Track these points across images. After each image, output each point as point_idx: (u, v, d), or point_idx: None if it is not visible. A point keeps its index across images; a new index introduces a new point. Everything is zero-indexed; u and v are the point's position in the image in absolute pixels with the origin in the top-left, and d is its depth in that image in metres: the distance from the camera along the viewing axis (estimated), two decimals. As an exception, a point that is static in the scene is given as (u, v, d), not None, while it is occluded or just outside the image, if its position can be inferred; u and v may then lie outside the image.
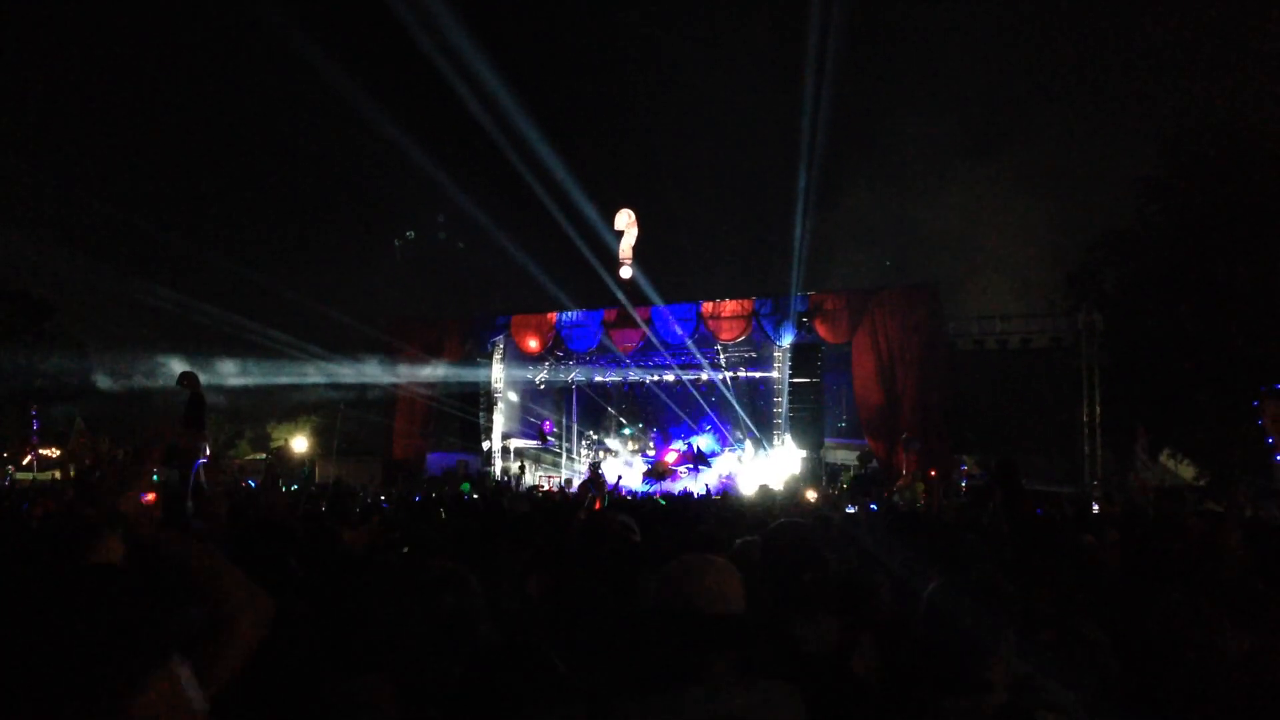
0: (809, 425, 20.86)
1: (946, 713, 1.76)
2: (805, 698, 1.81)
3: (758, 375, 23.78)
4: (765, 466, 20.78)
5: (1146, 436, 14.71)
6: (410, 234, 29.29)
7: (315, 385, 28.00)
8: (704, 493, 17.47)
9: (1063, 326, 20.02)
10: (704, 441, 24.36)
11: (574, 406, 27.22)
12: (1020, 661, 1.86)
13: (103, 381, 25.80)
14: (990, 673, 1.77)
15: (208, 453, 9.85)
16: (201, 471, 8.59)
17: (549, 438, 25.30)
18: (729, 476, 21.17)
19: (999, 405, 20.76)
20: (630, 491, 17.24)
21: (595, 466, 18.29)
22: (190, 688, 1.41)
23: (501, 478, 22.18)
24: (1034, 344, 20.16)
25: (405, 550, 4.45)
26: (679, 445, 23.99)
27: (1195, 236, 20.80)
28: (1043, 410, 20.68)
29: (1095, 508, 10.82)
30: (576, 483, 14.14)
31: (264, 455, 30.15)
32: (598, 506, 6.58)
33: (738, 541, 3.65)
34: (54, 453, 28.40)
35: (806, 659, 2.40)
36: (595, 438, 25.49)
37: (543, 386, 26.66)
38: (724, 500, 12.07)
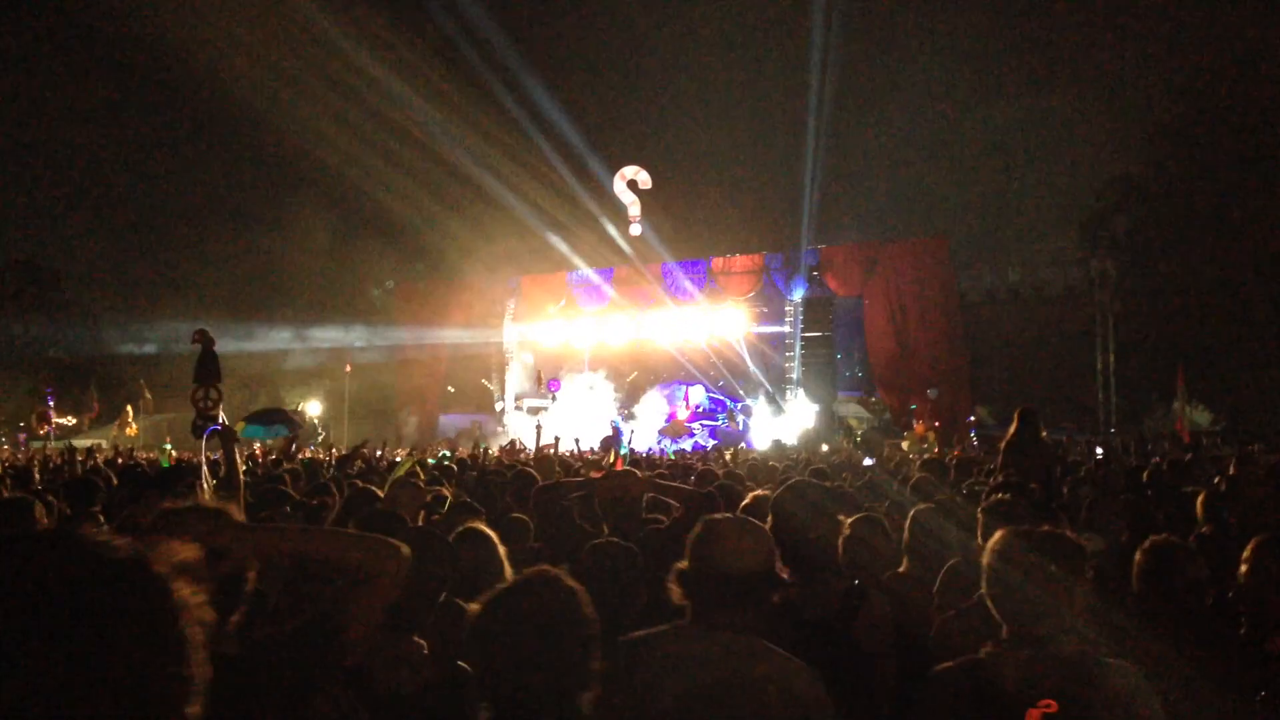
0: (821, 379, 20.79)
1: (1000, 664, 1.73)
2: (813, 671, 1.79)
3: (769, 330, 23.64)
4: (778, 420, 20.75)
5: (1185, 382, 14.51)
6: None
7: (328, 349, 28.07)
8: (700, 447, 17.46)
9: (1076, 274, 19.81)
10: (695, 393, 24.13)
11: (585, 365, 27.16)
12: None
13: (117, 349, 25.93)
14: (1055, 623, 1.74)
15: (222, 419, 9.54)
16: (216, 441, 8.14)
17: (555, 396, 25.26)
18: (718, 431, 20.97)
19: (1013, 354, 20.66)
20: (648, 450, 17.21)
21: (616, 425, 18.23)
22: None
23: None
24: (1047, 293, 19.98)
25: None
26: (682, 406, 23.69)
27: (1209, 179, 20.51)
28: (1057, 358, 20.57)
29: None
30: (586, 442, 14.07)
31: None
32: (619, 465, 6.59)
33: (748, 496, 3.56)
34: (70, 420, 28.65)
35: (808, 624, 2.33)
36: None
37: (554, 346, 26.61)
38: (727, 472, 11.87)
